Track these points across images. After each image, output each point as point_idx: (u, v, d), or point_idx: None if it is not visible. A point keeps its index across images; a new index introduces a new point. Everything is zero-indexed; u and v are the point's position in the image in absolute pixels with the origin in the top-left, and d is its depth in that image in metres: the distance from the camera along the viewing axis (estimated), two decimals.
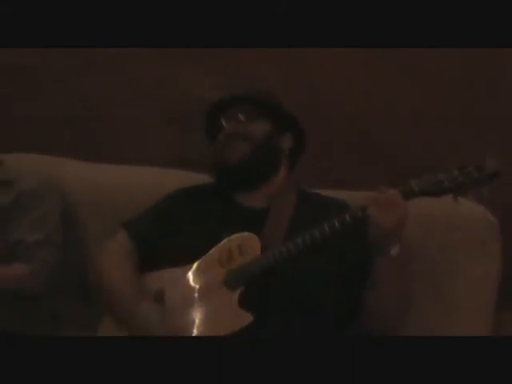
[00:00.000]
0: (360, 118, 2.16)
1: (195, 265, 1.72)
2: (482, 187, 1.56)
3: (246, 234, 1.70)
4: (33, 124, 2.43)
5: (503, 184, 1.55)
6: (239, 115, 1.80)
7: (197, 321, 1.66)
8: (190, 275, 1.71)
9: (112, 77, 2.32)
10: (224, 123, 1.81)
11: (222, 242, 1.71)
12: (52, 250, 1.99)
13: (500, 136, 2.07)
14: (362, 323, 1.71)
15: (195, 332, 1.64)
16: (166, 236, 1.81)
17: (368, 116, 2.16)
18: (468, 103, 2.09)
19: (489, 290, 1.86)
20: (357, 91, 2.16)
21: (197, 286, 1.69)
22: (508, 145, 2.03)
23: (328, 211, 1.69)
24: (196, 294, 1.69)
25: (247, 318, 1.61)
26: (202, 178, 1.92)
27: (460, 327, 1.84)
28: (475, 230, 1.86)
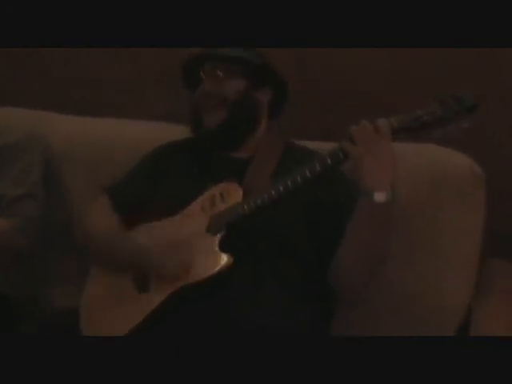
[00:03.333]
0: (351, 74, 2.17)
1: (180, 215, 1.75)
2: (462, 120, 1.53)
3: (229, 182, 1.74)
4: (20, 79, 2.42)
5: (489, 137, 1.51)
6: (218, 72, 1.82)
7: (181, 268, 1.67)
8: (176, 225, 1.74)
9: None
10: (204, 77, 1.84)
11: (206, 191, 1.75)
12: (34, 205, 1.97)
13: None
14: (327, 274, 1.71)
15: (178, 277, 1.66)
16: (151, 191, 1.84)
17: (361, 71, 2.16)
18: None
19: (473, 241, 1.86)
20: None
21: (181, 235, 1.72)
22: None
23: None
24: (180, 243, 1.70)
25: (227, 260, 1.63)
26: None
27: (446, 280, 1.85)
28: (459, 182, 1.85)
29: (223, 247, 1.67)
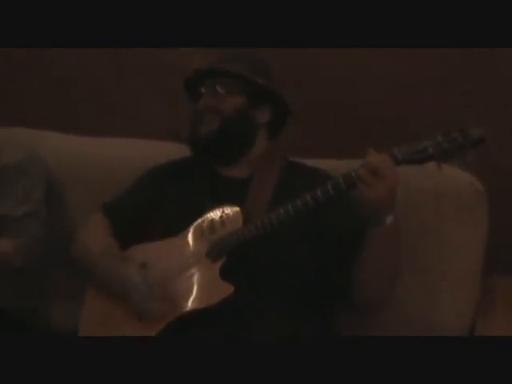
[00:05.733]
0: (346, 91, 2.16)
1: (178, 237, 1.73)
2: (466, 153, 1.53)
3: (229, 205, 1.71)
4: (20, 79, 2.42)
5: (492, 150, 1.52)
6: (217, 88, 1.81)
7: (180, 293, 1.66)
8: (173, 248, 1.72)
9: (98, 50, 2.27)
10: (203, 92, 1.83)
11: (205, 214, 1.73)
12: (38, 224, 1.98)
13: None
14: (354, 296, 1.70)
15: (178, 305, 1.65)
16: (149, 212, 1.83)
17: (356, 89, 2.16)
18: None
19: (476, 257, 1.86)
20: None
21: (180, 259, 1.70)
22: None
23: (312, 181, 1.68)
24: (179, 267, 1.69)
25: (228, 289, 1.62)
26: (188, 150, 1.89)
27: (448, 295, 1.85)
28: (461, 198, 1.85)
29: (224, 274, 1.65)
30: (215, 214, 1.72)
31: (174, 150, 2.01)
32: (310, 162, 1.90)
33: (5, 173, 1.97)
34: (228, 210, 1.71)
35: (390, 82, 2.14)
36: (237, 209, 1.71)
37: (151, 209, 1.84)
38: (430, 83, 2.11)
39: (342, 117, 2.18)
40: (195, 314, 1.64)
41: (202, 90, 1.84)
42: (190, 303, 1.65)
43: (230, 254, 1.67)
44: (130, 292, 1.69)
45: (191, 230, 1.73)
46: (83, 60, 2.35)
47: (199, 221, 1.73)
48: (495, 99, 2.06)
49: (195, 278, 1.68)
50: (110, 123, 2.33)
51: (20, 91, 2.43)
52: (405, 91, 2.13)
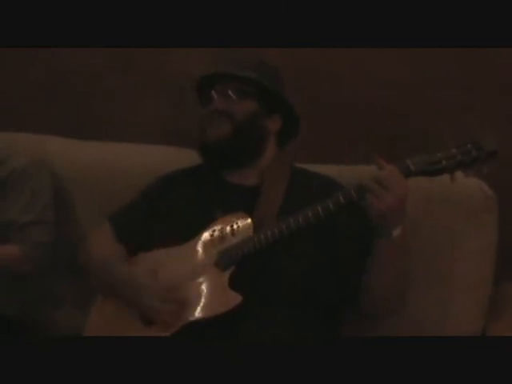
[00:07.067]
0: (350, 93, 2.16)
1: (187, 246, 1.72)
2: (480, 166, 1.53)
3: (239, 213, 1.70)
4: (20, 79, 2.42)
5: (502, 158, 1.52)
6: (229, 92, 1.79)
7: (187, 301, 1.65)
8: (182, 256, 1.71)
9: (101, 53, 2.28)
10: (214, 96, 1.81)
11: (214, 223, 1.71)
12: (44, 231, 1.98)
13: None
14: (361, 305, 1.70)
15: (185, 313, 1.64)
16: (155, 222, 1.81)
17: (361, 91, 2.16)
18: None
19: (486, 263, 1.85)
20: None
21: (188, 267, 1.69)
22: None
23: (322, 189, 1.68)
24: (187, 275, 1.68)
25: (236, 299, 1.60)
26: (195, 155, 1.87)
27: (458, 301, 1.84)
28: (472, 203, 1.84)
29: (232, 283, 1.64)
30: (225, 223, 1.70)
31: (182, 155, 2.01)
32: (311, 161, 1.90)
33: (12, 178, 1.98)
34: (238, 219, 1.70)
35: (389, 82, 2.13)
36: (247, 218, 1.69)
37: (158, 219, 1.82)
38: (430, 83, 2.11)
39: (342, 117, 2.18)
40: (203, 322, 1.63)
41: (213, 93, 1.81)
42: (197, 312, 1.64)
43: (239, 263, 1.65)
44: (140, 291, 1.68)
45: (200, 238, 1.72)
46: (83, 60, 2.35)
47: (208, 229, 1.72)
48: (495, 99, 2.06)
49: (204, 287, 1.66)
50: (111, 126, 2.33)
51: (20, 93, 2.43)
52: (405, 91, 2.13)
